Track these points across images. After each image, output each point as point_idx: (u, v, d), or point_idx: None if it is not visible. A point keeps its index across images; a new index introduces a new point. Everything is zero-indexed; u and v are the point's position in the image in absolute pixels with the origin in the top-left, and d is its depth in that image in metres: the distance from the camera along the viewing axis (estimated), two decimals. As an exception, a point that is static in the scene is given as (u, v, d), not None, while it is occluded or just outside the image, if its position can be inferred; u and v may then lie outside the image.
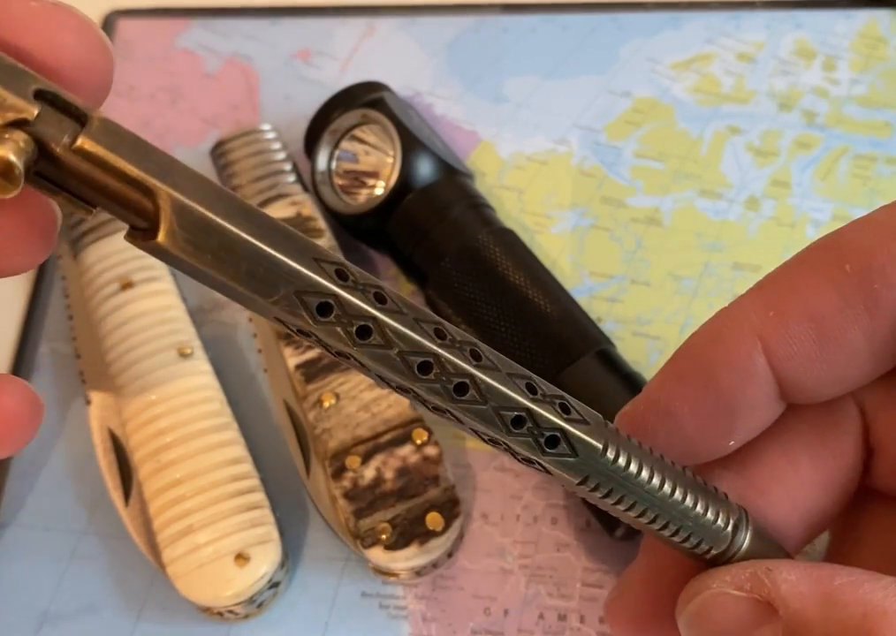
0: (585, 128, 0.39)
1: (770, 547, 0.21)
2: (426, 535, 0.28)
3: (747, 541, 0.20)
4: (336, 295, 0.16)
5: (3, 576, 0.30)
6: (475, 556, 0.29)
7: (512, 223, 0.34)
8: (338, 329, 0.16)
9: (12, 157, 0.15)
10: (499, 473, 0.31)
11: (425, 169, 0.33)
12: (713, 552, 0.20)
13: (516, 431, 0.18)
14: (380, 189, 0.33)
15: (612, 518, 0.28)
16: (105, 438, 0.30)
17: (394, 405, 0.30)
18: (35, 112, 0.15)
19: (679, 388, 0.21)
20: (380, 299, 0.17)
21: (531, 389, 0.18)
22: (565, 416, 0.18)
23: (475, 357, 0.18)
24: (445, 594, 0.29)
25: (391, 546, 0.27)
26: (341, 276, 0.17)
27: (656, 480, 0.19)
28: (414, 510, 0.28)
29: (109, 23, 0.42)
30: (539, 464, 0.18)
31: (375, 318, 0.17)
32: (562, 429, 0.18)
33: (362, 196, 0.34)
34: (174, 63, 0.42)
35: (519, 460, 0.19)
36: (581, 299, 0.32)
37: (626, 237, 0.36)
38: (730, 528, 0.20)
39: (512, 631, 0.28)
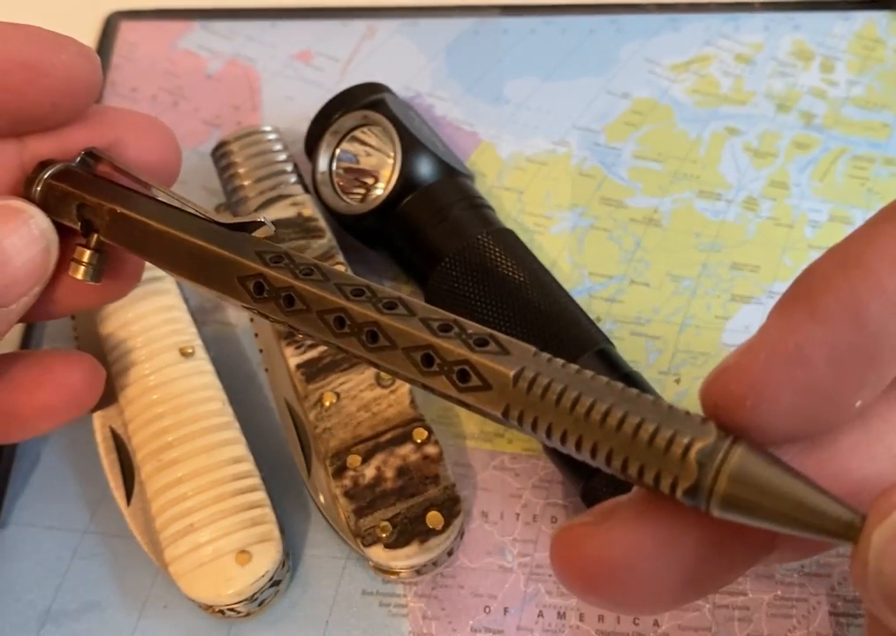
0: (584, 129, 0.39)
1: (782, 475, 0.16)
2: (426, 534, 0.28)
3: (729, 471, 0.16)
4: (263, 274, 0.21)
5: (6, 575, 0.30)
6: (475, 554, 0.30)
7: (512, 224, 0.34)
8: (272, 303, 0.20)
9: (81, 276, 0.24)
10: (499, 471, 0.31)
11: (425, 169, 0.33)
12: (681, 487, 0.16)
13: (428, 370, 0.19)
14: (380, 190, 0.33)
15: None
16: (107, 437, 0.30)
17: (394, 405, 0.30)
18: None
19: (814, 326, 0.16)
20: (306, 273, 0.20)
21: (444, 329, 0.19)
22: (476, 348, 0.18)
23: (389, 307, 0.19)
24: (445, 592, 0.29)
25: (392, 544, 0.28)
26: (275, 261, 0.21)
27: (584, 402, 0.17)
28: (415, 508, 0.28)
29: (111, 25, 0.43)
30: (466, 404, 0.18)
31: (293, 286, 0.20)
32: (468, 360, 0.18)
33: (363, 197, 0.34)
34: (176, 64, 0.42)
35: (462, 407, 0.19)
36: (581, 299, 0.32)
37: (625, 237, 0.36)
38: (694, 451, 0.16)
39: (511, 629, 0.28)
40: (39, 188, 0.24)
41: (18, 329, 0.35)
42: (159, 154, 0.25)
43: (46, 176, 0.24)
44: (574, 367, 0.18)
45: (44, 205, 0.24)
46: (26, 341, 0.34)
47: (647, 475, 0.17)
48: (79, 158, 0.24)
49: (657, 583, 0.18)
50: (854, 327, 0.16)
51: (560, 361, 0.18)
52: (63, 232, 0.24)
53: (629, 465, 0.17)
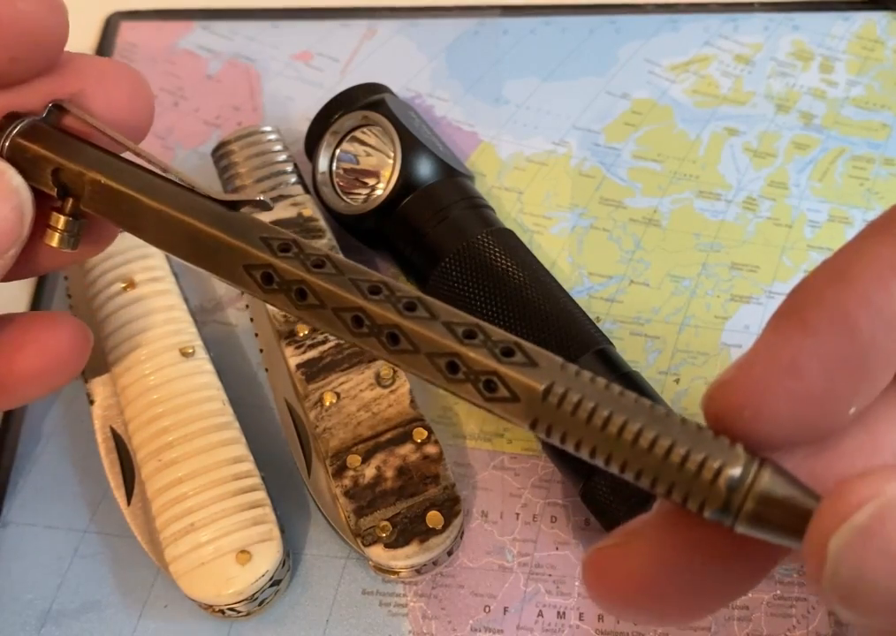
0: (584, 129, 0.39)
1: (801, 495, 0.17)
2: (426, 533, 0.28)
3: (757, 493, 0.16)
4: (273, 265, 0.19)
5: (6, 574, 0.30)
6: (475, 554, 0.30)
7: (512, 224, 0.34)
8: (282, 295, 0.19)
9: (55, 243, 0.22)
10: (499, 471, 0.31)
11: (425, 170, 0.33)
12: (709, 509, 0.17)
13: (453, 377, 0.18)
14: (380, 190, 0.33)
15: (611, 516, 0.28)
16: (108, 437, 0.30)
17: (394, 404, 0.30)
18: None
19: (806, 340, 0.17)
20: (318, 265, 0.19)
21: (469, 335, 0.18)
22: (504, 359, 0.18)
23: (409, 308, 0.19)
24: (445, 591, 0.29)
25: (392, 544, 0.28)
26: (283, 249, 0.20)
27: (616, 421, 0.17)
28: (415, 508, 0.28)
29: (111, 25, 0.43)
30: (490, 411, 0.18)
31: (305, 281, 0.19)
32: (496, 372, 0.18)
33: (363, 197, 0.34)
34: (176, 64, 0.42)
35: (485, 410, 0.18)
36: (580, 299, 0.32)
37: (624, 237, 0.36)
38: (724, 477, 0.16)
39: (511, 628, 0.28)
40: (7, 144, 0.21)
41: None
42: (129, 104, 0.23)
43: (14, 132, 0.22)
44: (602, 381, 0.18)
45: (12, 163, 0.22)
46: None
47: (675, 494, 0.17)
48: (45, 112, 0.22)
49: (688, 594, 0.18)
50: (844, 339, 0.17)
51: (588, 375, 0.18)
52: (35, 192, 0.22)
53: (658, 483, 0.17)
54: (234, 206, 0.21)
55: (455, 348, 0.18)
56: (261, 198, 0.21)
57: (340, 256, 0.20)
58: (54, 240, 0.22)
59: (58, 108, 0.22)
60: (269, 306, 0.32)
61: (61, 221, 0.22)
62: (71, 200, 0.22)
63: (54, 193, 0.22)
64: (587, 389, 0.17)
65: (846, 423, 0.18)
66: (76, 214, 0.22)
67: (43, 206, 0.22)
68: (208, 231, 0.20)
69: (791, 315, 0.17)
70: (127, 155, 0.22)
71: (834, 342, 0.17)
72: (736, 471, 0.16)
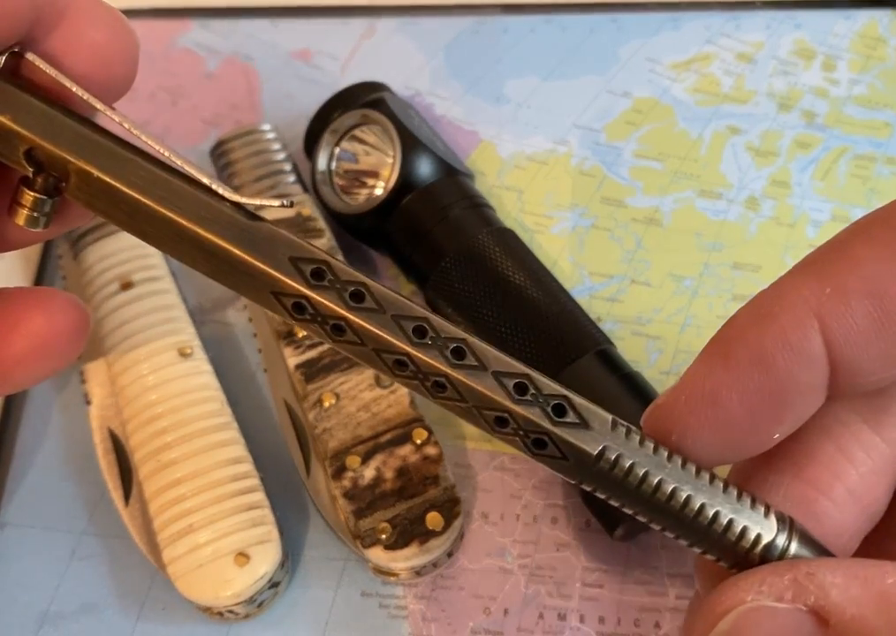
0: (585, 128, 0.39)
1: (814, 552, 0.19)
2: (426, 535, 0.28)
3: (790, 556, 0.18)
4: (306, 297, 0.17)
5: (4, 576, 0.30)
6: (475, 555, 0.29)
7: (512, 223, 0.34)
8: (316, 325, 0.18)
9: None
10: (499, 472, 0.31)
11: (425, 169, 0.33)
12: (741, 569, 0.19)
13: (500, 430, 0.18)
14: (380, 189, 0.33)
15: (612, 518, 0.28)
16: (105, 438, 0.30)
17: (394, 405, 0.30)
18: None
19: (726, 373, 0.19)
20: (356, 298, 0.17)
21: (520, 390, 0.18)
22: (555, 419, 0.18)
23: (458, 355, 0.18)
24: (445, 593, 0.29)
25: (391, 546, 0.27)
26: (317, 276, 0.17)
27: (665, 489, 0.18)
28: (414, 509, 0.28)
29: (109, 23, 0.42)
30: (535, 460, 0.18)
31: (345, 318, 0.17)
32: (548, 432, 0.17)
33: (362, 196, 0.34)
34: (174, 62, 0.42)
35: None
36: (581, 299, 0.32)
37: (625, 237, 0.36)
38: (759, 548, 0.18)
39: (511, 630, 0.28)
40: None
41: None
42: (107, 47, 0.19)
43: None
44: (651, 444, 0.18)
45: None
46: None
47: (711, 554, 0.19)
48: (2, 61, 0.18)
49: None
50: (762, 375, 0.18)
51: (637, 437, 0.18)
52: None
53: (697, 545, 0.18)
54: (254, 214, 0.18)
55: (506, 405, 0.17)
56: (284, 202, 0.18)
57: (378, 285, 0.18)
58: (21, 218, 0.18)
59: (16, 56, 0.18)
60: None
61: (30, 199, 0.18)
62: (47, 178, 0.18)
63: (28, 171, 0.18)
64: (637, 455, 0.18)
65: (772, 445, 0.19)
66: (51, 192, 0.18)
67: (7, 175, 0.18)
68: (230, 251, 0.17)
69: (716, 350, 0.19)
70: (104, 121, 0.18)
71: (752, 377, 0.18)
72: (769, 540, 0.18)
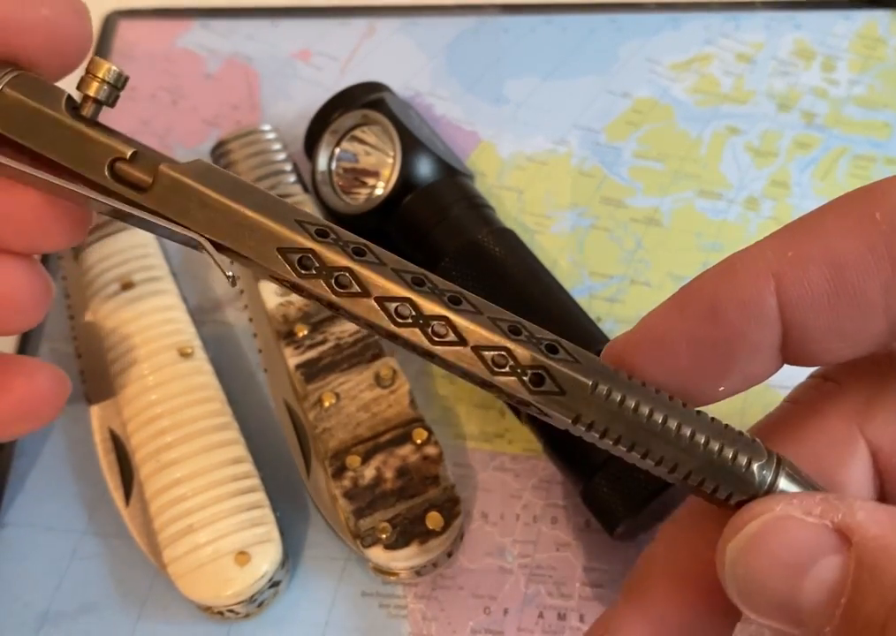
0: (585, 128, 0.39)
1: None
2: (426, 535, 0.28)
3: (780, 487, 0.19)
4: (312, 250, 0.19)
5: (4, 575, 0.30)
6: (475, 555, 0.29)
7: (512, 223, 0.34)
8: (320, 280, 0.19)
9: None
10: (499, 472, 0.31)
11: (425, 169, 0.33)
12: (736, 498, 0.19)
13: (499, 371, 0.18)
14: (380, 189, 0.33)
15: (612, 517, 0.28)
16: (106, 438, 0.30)
17: (394, 405, 0.30)
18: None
19: (679, 319, 0.19)
20: (358, 253, 0.19)
21: (514, 331, 0.19)
22: (550, 355, 0.18)
23: (454, 302, 0.19)
24: (445, 593, 0.29)
25: (391, 545, 0.27)
26: (321, 234, 0.19)
27: (657, 418, 0.18)
28: (414, 509, 0.28)
29: (109, 24, 0.42)
30: (532, 404, 0.18)
31: (349, 268, 0.19)
32: (545, 366, 0.18)
33: (362, 196, 0.34)
34: (175, 63, 0.42)
35: (516, 404, 0.19)
36: (581, 299, 0.32)
37: (625, 237, 0.36)
38: (754, 468, 0.18)
39: (511, 630, 0.28)
40: None
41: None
42: (55, 22, 0.21)
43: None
44: (638, 381, 0.19)
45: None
46: (25, 341, 0.34)
47: (707, 484, 0.19)
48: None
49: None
50: (711, 326, 0.19)
51: (625, 374, 0.19)
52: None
53: (693, 475, 0.19)
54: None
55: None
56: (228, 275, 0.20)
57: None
58: (91, 89, 0.21)
59: None
60: (269, 306, 0.32)
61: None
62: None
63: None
64: (627, 388, 0.18)
65: (719, 399, 0.20)
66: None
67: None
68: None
69: (675, 299, 0.20)
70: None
71: (702, 327, 0.19)
72: (762, 463, 0.18)
